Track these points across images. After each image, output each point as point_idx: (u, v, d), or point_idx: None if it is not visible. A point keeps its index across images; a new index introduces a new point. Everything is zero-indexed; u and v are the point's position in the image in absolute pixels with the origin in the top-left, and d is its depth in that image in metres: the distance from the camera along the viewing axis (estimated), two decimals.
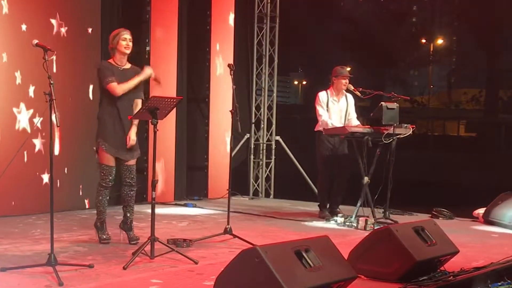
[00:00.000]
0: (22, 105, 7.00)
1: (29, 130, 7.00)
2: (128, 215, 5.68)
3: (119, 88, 5.41)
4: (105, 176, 5.52)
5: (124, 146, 5.52)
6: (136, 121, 5.58)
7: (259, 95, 10.45)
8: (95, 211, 5.71)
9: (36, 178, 7.07)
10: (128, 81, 5.44)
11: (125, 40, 5.48)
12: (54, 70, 6.96)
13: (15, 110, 6.95)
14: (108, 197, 5.64)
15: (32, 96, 7.02)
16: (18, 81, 6.95)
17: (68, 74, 7.36)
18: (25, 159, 6.98)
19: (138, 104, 5.58)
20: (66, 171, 7.43)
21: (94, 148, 5.60)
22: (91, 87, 7.62)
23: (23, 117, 6.99)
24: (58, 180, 7.11)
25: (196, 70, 9.35)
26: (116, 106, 5.47)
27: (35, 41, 4.65)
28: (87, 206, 7.66)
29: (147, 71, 5.57)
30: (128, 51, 5.52)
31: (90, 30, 7.71)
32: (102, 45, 7.55)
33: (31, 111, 7.04)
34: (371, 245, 4.58)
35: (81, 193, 7.68)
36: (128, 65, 5.60)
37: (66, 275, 4.33)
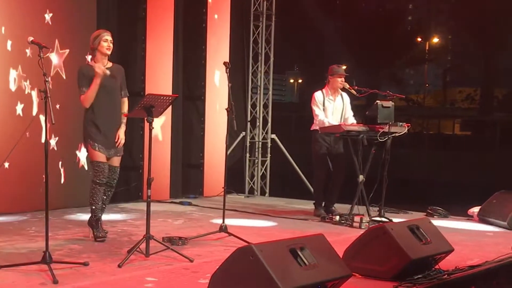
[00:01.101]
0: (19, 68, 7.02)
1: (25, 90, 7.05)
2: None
3: (86, 101, 5.48)
4: (99, 173, 5.54)
5: (110, 144, 5.58)
6: (125, 120, 5.67)
7: (255, 93, 10.45)
8: (89, 209, 5.70)
9: (32, 176, 7.06)
10: (93, 87, 5.44)
11: (106, 41, 5.55)
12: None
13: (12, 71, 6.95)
14: (102, 195, 5.64)
15: (31, 56, 6.97)
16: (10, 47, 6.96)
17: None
18: (22, 156, 6.98)
19: (125, 102, 5.71)
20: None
21: (84, 148, 5.63)
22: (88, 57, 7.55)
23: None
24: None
25: (192, 68, 9.35)
26: (101, 105, 5.51)
27: (30, 38, 4.64)
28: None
29: (98, 71, 5.44)
30: (109, 52, 5.59)
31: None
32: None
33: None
34: (366, 243, 4.59)
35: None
36: (109, 64, 5.65)
37: (61, 273, 4.32)
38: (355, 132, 7.08)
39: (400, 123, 7.17)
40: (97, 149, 5.51)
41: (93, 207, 5.62)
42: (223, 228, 5.86)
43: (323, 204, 7.72)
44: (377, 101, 7.13)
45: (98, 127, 5.51)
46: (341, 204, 7.79)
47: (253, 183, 10.32)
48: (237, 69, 9.89)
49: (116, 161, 5.68)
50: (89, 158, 5.62)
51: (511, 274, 5.10)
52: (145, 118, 5.05)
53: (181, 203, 8.55)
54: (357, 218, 6.84)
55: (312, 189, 8.53)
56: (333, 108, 7.63)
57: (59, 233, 5.93)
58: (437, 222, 5.44)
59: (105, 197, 5.69)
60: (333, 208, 7.66)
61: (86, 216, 7.05)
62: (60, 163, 7.43)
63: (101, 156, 5.53)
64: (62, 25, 7.43)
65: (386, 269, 4.43)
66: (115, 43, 5.68)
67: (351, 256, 4.55)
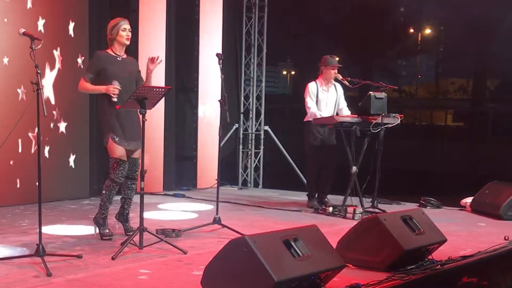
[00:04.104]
0: None
1: None
2: (126, 206, 5.61)
3: (83, 87, 5.33)
4: (117, 171, 5.31)
5: (130, 136, 5.37)
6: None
7: (248, 85, 10.43)
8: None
9: (26, 168, 7.04)
10: (95, 88, 5.30)
11: (124, 30, 5.38)
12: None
13: None
14: (115, 193, 5.44)
15: None
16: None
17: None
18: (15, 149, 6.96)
19: None
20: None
21: (104, 145, 5.38)
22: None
23: None
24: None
25: (184, 60, 9.32)
26: (118, 97, 5.29)
27: (22, 30, 4.60)
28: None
29: (109, 89, 5.24)
30: (128, 42, 5.42)
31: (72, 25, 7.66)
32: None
33: None
34: (359, 234, 4.60)
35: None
36: (124, 55, 5.50)
37: (54, 266, 4.32)
38: (348, 123, 7.09)
39: (393, 114, 7.18)
40: (118, 143, 5.29)
41: (104, 205, 5.43)
42: (216, 220, 5.86)
43: (316, 196, 7.73)
44: (370, 92, 7.13)
45: (118, 119, 5.30)
46: (334, 195, 7.81)
47: (247, 175, 10.32)
48: (230, 61, 9.87)
49: (137, 152, 5.46)
50: (108, 154, 5.37)
51: (503, 264, 5.13)
52: (138, 110, 5.03)
53: (174, 195, 8.55)
54: (350, 209, 6.86)
55: (305, 181, 8.53)
56: (326, 99, 7.62)
57: (52, 226, 5.91)
58: (430, 213, 5.45)
59: (129, 191, 5.53)
60: (326, 199, 7.68)
61: (79, 208, 7.07)
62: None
63: (121, 152, 5.31)
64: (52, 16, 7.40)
65: (379, 259, 4.45)
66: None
67: (345, 247, 4.56)
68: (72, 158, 7.70)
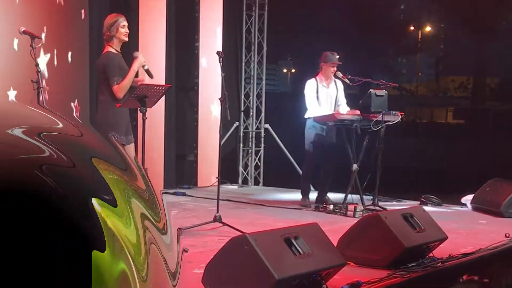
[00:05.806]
0: None
1: None
2: None
3: (122, 91, 5.24)
4: None
5: (127, 132, 5.37)
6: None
7: (248, 83, 10.43)
8: None
9: None
10: (125, 77, 5.23)
11: (124, 27, 5.41)
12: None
13: None
14: None
15: None
16: None
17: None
18: None
19: None
20: None
21: None
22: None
23: None
24: None
25: (184, 58, 9.32)
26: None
27: (22, 29, 4.60)
28: None
29: (140, 59, 5.33)
30: (127, 39, 5.45)
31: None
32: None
33: None
34: (360, 232, 4.60)
35: None
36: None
37: None
38: (349, 121, 7.08)
39: (394, 112, 7.18)
40: (118, 141, 5.18)
41: None
42: (217, 218, 5.86)
43: (309, 194, 7.73)
44: (371, 90, 7.13)
45: (120, 114, 5.29)
46: (335, 193, 7.81)
47: (247, 173, 10.31)
48: (230, 59, 9.86)
49: (130, 150, 5.41)
50: None
51: (504, 261, 5.13)
52: (139, 109, 5.03)
53: (175, 193, 8.55)
54: (351, 207, 6.86)
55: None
56: (326, 96, 7.62)
57: None
58: (431, 210, 5.45)
59: None
60: (326, 197, 7.67)
61: None
62: None
63: None
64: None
65: (380, 257, 4.45)
66: None
67: (346, 245, 4.56)
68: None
